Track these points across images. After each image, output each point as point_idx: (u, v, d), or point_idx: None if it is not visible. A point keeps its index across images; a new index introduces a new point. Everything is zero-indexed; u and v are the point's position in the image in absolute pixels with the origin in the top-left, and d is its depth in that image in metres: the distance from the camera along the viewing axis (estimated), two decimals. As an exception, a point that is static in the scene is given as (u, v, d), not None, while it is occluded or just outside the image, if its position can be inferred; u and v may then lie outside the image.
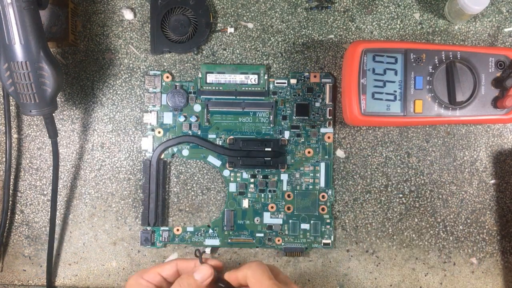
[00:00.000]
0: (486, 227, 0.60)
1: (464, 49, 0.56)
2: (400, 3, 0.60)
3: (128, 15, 0.59)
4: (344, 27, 0.60)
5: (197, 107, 0.59)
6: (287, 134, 0.59)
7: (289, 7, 0.60)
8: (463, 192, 0.60)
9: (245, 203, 0.59)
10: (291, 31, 0.60)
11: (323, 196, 0.59)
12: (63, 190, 0.60)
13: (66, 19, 0.57)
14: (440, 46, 0.56)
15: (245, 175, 0.59)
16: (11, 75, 0.49)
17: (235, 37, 0.60)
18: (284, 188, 0.59)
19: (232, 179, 0.59)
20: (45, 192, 0.60)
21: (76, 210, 0.60)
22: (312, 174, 0.59)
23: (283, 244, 0.59)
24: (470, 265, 0.59)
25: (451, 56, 0.55)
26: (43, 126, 0.60)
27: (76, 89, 0.60)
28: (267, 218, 0.59)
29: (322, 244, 0.59)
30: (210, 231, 0.59)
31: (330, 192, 0.59)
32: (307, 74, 0.59)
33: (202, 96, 0.59)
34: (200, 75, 0.59)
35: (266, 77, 0.59)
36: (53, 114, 0.54)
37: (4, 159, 0.59)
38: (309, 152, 0.59)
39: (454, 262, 0.59)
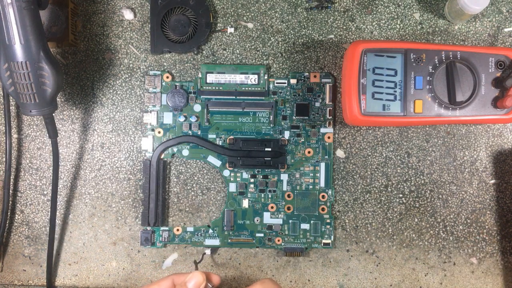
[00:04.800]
0: (486, 227, 0.60)
1: (464, 49, 0.56)
2: (400, 3, 0.60)
3: (128, 15, 0.59)
4: (344, 27, 0.60)
5: (197, 107, 0.59)
6: (287, 134, 0.59)
7: (289, 7, 0.60)
8: (463, 192, 0.60)
9: (245, 203, 0.59)
10: (291, 31, 0.60)
11: (323, 196, 0.59)
12: (63, 190, 0.60)
13: (66, 19, 0.57)
14: (440, 46, 0.56)
15: (245, 175, 0.59)
16: (11, 75, 0.49)
17: (235, 37, 0.60)
18: (284, 188, 0.59)
19: (232, 179, 0.59)
20: (45, 192, 0.60)
21: (76, 210, 0.60)
22: (312, 174, 0.59)
23: (283, 244, 0.59)
24: (470, 265, 0.59)
25: (451, 56, 0.55)
26: (43, 126, 0.60)
27: (76, 89, 0.60)
28: (267, 218, 0.59)
29: (322, 244, 0.59)
30: (210, 231, 0.59)
31: (330, 192, 0.59)
32: (307, 74, 0.59)
33: (202, 96, 0.59)
34: (200, 75, 0.59)
35: (266, 77, 0.59)
36: (53, 114, 0.54)
37: (4, 159, 0.59)
38: (309, 152, 0.59)
39: (454, 262, 0.59)
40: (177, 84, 0.59)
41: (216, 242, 0.59)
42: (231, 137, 0.59)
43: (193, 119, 0.59)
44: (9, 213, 0.60)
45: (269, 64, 0.60)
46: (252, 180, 0.59)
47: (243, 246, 0.59)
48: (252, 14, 0.60)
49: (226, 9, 0.60)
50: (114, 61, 0.60)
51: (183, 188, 0.60)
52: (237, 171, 0.59)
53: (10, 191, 0.59)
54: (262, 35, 0.60)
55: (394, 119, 0.56)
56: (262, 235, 0.59)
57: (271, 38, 0.60)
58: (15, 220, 0.60)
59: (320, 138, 0.59)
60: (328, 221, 0.59)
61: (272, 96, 0.59)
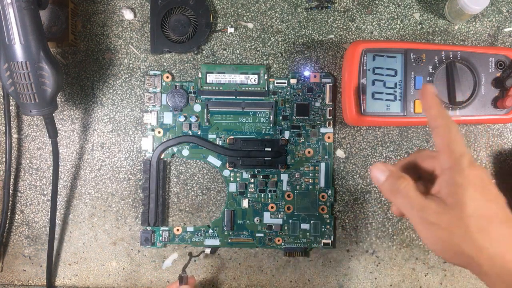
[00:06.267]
0: (486, 227, 0.59)
1: (464, 49, 0.56)
2: (400, 3, 0.60)
3: (128, 15, 0.59)
4: (344, 27, 0.60)
5: (197, 107, 0.59)
6: (287, 134, 0.59)
7: (289, 7, 0.60)
8: (463, 192, 0.59)
9: (245, 203, 0.59)
10: (291, 31, 0.60)
11: (323, 196, 0.59)
12: (63, 190, 0.60)
13: (66, 19, 0.57)
14: (440, 46, 0.56)
15: (245, 175, 0.59)
16: (11, 75, 0.49)
17: (235, 37, 0.60)
18: (284, 188, 0.59)
19: (232, 179, 0.59)
20: (45, 192, 0.60)
21: (76, 210, 0.60)
22: (312, 174, 0.59)
23: (283, 244, 0.59)
24: (470, 265, 0.59)
25: (451, 56, 0.55)
26: (43, 126, 0.60)
27: (76, 89, 0.60)
28: (267, 218, 0.59)
29: (322, 244, 0.59)
30: (210, 231, 0.59)
31: (330, 192, 0.59)
32: (307, 74, 0.59)
33: (202, 96, 0.59)
34: (200, 75, 0.59)
35: (266, 77, 0.59)
36: (53, 114, 0.54)
37: (4, 159, 0.58)
38: (309, 152, 0.59)
39: (454, 262, 0.59)
40: (177, 84, 0.59)
41: (216, 242, 0.59)
42: (231, 137, 0.59)
43: (193, 119, 0.59)
44: (9, 213, 0.60)
45: (269, 64, 0.60)
46: (252, 180, 0.59)
47: (243, 246, 0.59)
48: (252, 14, 0.60)
49: (226, 9, 0.60)
50: (114, 61, 0.60)
51: (183, 188, 0.60)
52: (237, 171, 0.59)
53: (10, 191, 0.59)
54: (262, 35, 0.60)
55: (394, 119, 0.56)
56: (262, 235, 0.59)
57: (271, 38, 0.60)
58: (15, 220, 0.60)
59: (320, 138, 0.59)
60: (328, 221, 0.59)
61: (272, 96, 0.59)
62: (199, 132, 0.59)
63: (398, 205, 0.39)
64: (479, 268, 0.37)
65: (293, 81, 0.59)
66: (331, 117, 0.59)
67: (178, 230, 0.59)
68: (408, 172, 0.40)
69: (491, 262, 0.36)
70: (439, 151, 0.38)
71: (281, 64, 0.60)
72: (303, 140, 0.59)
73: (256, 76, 0.59)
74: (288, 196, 0.59)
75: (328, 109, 0.59)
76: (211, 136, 0.59)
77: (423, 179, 0.41)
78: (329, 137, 0.59)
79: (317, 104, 0.59)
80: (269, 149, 0.59)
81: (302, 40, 0.60)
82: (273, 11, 0.60)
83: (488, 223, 0.36)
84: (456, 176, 0.37)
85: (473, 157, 0.38)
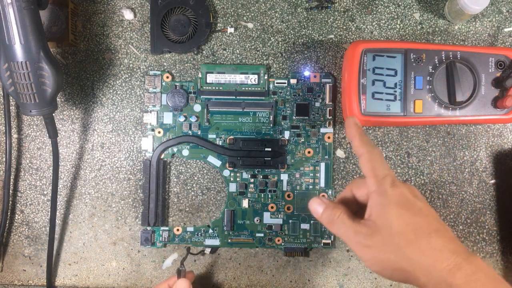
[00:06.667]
0: (486, 227, 0.60)
1: (464, 49, 0.56)
2: (400, 3, 0.60)
3: (128, 15, 0.59)
4: (344, 27, 0.60)
5: (197, 107, 0.59)
6: (287, 134, 0.59)
7: (289, 7, 0.60)
8: (463, 192, 0.60)
9: (245, 203, 0.59)
10: (291, 31, 0.60)
11: (323, 196, 0.59)
12: (63, 190, 0.60)
13: (66, 19, 0.57)
14: (440, 46, 0.56)
15: (245, 175, 0.59)
16: (11, 75, 0.49)
17: (235, 37, 0.60)
18: (284, 188, 0.59)
19: (232, 179, 0.59)
20: (45, 192, 0.60)
21: (76, 210, 0.60)
22: (312, 174, 0.59)
23: (283, 244, 0.59)
24: (470, 265, 0.59)
25: (451, 56, 0.55)
26: (43, 126, 0.60)
27: (76, 89, 0.60)
28: (267, 218, 0.59)
29: (322, 244, 0.59)
30: (210, 231, 0.59)
31: (330, 192, 0.59)
32: (307, 74, 0.59)
33: (202, 96, 0.59)
34: (200, 75, 0.59)
35: (266, 77, 0.59)
36: (53, 114, 0.54)
37: (4, 159, 0.58)
38: (309, 152, 0.59)
39: (454, 262, 0.59)
40: (177, 84, 0.59)
41: (216, 242, 0.59)
42: (231, 137, 0.59)
43: (193, 119, 0.59)
44: (9, 213, 0.60)
45: (269, 64, 0.60)
46: (252, 180, 0.59)
47: (243, 246, 0.59)
48: (252, 14, 0.60)
49: (226, 9, 0.60)
50: (114, 61, 0.60)
51: (183, 188, 0.60)
52: (237, 171, 0.59)
53: (10, 191, 0.59)
54: (262, 35, 0.60)
55: (394, 119, 0.56)
56: (262, 235, 0.59)
57: (271, 38, 0.60)
58: (15, 220, 0.60)
59: (320, 138, 0.59)
60: (328, 221, 0.59)
61: (272, 96, 0.59)
62: (199, 132, 0.59)
63: (337, 234, 0.42)
64: (417, 281, 0.38)
65: (293, 81, 0.59)
66: (331, 117, 0.59)
67: (178, 230, 0.59)
68: (348, 203, 0.43)
69: (426, 273, 0.37)
70: (366, 177, 0.41)
71: (281, 64, 0.60)
72: (303, 140, 0.59)
73: (256, 76, 0.59)
74: (288, 196, 0.59)
75: (328, 109, 0.59)
76: (211, 136, 0.59)
77: (363, 207, 0.43)
78: (329, 137, 0.59)
79: (317, 104, 0.59)
80: (269, 149, 0.59)
81: (302, 40, 0.60)
82: (273, 11, 0.60)
83: (416, 236, 0.38)
84: (380, 197, 0.39)
85: (396, 177, 0.41)
